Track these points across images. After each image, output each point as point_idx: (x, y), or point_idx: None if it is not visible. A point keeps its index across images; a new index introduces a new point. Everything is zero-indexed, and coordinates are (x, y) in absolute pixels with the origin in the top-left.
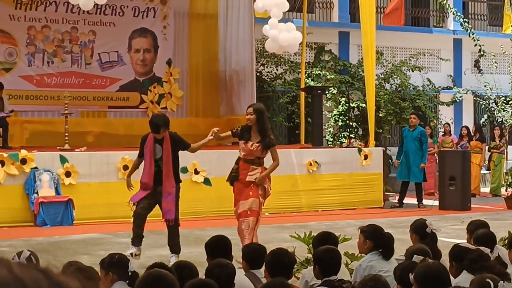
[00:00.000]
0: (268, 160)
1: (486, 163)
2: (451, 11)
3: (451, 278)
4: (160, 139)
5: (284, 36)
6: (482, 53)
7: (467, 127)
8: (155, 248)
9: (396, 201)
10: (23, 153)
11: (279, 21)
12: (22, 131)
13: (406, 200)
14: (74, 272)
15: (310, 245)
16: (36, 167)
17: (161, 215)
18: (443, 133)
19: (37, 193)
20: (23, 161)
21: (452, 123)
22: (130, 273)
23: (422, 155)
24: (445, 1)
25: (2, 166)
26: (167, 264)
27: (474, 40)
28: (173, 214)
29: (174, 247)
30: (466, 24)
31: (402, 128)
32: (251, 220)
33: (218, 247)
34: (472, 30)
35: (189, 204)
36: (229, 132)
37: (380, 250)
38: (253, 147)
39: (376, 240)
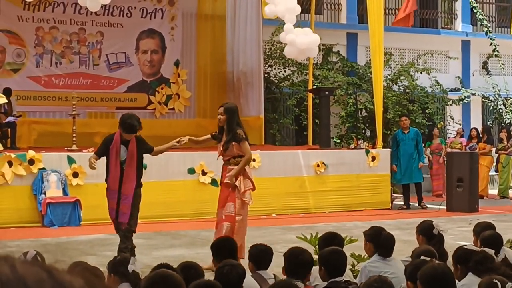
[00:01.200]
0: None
1: (495, 165)
2: (476, 11)
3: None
4: (127, 140)
5: (302, 40)
6: (496, 53)
7: (476, 129)
8: (162, 249)
9: (403, 203)
10: (31, 153)
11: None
12: (30, 132)
13: (412, 201)
14: (80, 271)
15: (317, 246)
16: (43, 168)
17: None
18: (454, 135)
19: (44, 193)
20: (31, 162)
21: (460, 124)
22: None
23: (419, 154)
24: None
25: (10, 166)
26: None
27: (491, 39)
28: (127, 218)
29: (121, 251)
30: (486, 22)
31: (394, 132)
32: (226, 226)
33: (223, 249)
34: (488, 28)
35: (196, 205)
36: (208, 136)
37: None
38: (222, 147)
39: (375, 241)
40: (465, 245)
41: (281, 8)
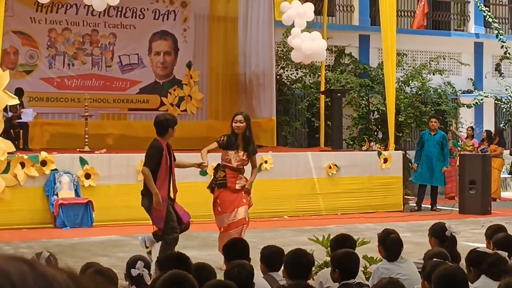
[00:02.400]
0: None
1: (509, 167)
2: (485, 14)
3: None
4: (168, 145)
5: (308, 45)
6: (508, 55)
7: (488, 131)
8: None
9: (415, 204)
10: (43, 155)
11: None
12: (43, 133)
13: (424, 204)
14: (92, 275)
15: (329, 248)
16: (56, 169)
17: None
18: (465, 137)
19: (57, 194)
20: (43, 163)
21: (472, 127)
22: (134, 276)
23: (444, 158)
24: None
25: (23, 167)
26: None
27: (502, 42)
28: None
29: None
30: (496, 24)
31: (421, 131)
32: (245, 228)
33: (235, 250)
34: (499, 31)
35: (208, 207)
36: (216, 145)
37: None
38: (244, 156)
39: (383, 243)
40: (478, 248)
41: (293, 12)
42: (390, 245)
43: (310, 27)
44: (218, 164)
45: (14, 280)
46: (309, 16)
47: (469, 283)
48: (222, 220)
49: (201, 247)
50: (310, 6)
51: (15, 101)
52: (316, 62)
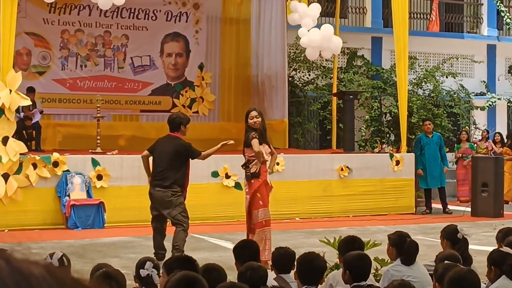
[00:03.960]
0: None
1: None
2: (503, 14)
3: (484, 282)
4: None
5: (315, 36)
6: None
7: (500, 134)
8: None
9: (425, 208)
10: (55, 156)
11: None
12: (55, 134)
13: (437, 206)
14: (101, 281)
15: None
16: (68, 170)
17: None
18: (479, 139)
19: (68, 195)
20: (55, 164)
21: (486, 130)
22: (143, 277)
23: (444, 158)
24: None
25: (35, 168)
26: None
27: None
28: None
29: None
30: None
31: (417, 136)
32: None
33: (246, 251)
34: (508, 36)
35: (220, 208)
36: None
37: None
38: (269, 148)
39: (399, 247)
40: (501, 248)
41: (300, 13)
42: (407, 249)
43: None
44: (245, 163)
45: None
46: (315, 17)
47: (485, 283)
48: (266, 213)
49: (212, 249)
50: (316, 7)
51: (27, 102)
52: (324, 61)
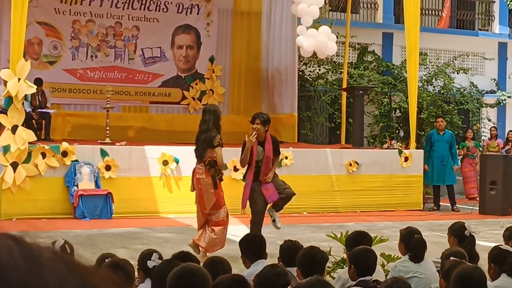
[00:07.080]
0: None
1: None
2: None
3: (489, 280)
4: (263, 141)
5: (309, 43)
6: None
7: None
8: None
9: (433, 205)
10: (64, 145)
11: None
12: (65, 124)
13: (445, 203)
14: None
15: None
16: (76, 160)
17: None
18: (489, 137)
19: (77, 185)
20: (64, 154)
21: (495, 128)
22: (150, 268)
23: (453, 157)
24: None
25: (44, 158)
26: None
27: None
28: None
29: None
30: None
31: (428, 132)
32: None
33: (252, 245)
34: None
35: (228, 201)
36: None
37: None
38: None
39: (407, 242)
40: (502, 245)
41: (302, 7)
42: (415, 246)
43: (320, 22)
44: (211, 163)
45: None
46: (315, 13)
47: (488, 281)
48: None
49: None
50: (318, 2)
51: (33, 90)
52: (335, 55)
